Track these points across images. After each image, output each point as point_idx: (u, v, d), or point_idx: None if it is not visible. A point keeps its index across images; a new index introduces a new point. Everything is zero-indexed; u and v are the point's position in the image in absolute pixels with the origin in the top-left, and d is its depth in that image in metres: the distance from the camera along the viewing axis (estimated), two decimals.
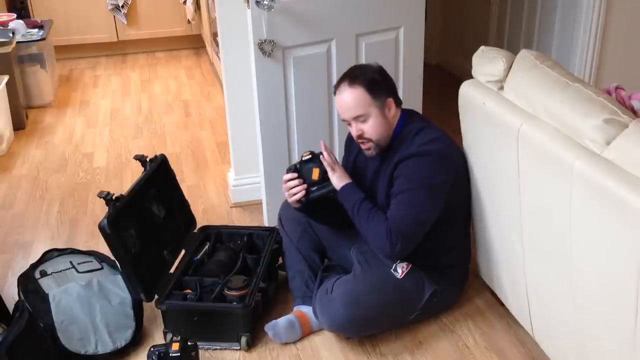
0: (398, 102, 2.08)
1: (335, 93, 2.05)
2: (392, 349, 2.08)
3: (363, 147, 2.06)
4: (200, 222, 2.60)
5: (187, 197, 2.54)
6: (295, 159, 2.64)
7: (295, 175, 2.10)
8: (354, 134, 2.03)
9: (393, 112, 2.04)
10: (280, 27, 2.39)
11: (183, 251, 2.36)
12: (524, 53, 1.91)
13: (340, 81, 2.04)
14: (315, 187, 2.10)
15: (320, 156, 2.08)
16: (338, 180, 2.07)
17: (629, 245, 1.38)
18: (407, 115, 2.09)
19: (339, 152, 2.71)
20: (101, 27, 5.33)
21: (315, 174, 2.08)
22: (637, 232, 1.35)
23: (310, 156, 2.10)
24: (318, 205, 2.15)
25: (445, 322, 2.19)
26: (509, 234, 1.94)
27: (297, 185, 2.09)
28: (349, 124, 2.04)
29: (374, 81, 2.01)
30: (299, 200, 2.11)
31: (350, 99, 1.99)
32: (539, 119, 1.73)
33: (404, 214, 1.95)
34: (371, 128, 2.00)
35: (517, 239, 1.88)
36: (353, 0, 2.53)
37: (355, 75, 2.02)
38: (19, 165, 3.53)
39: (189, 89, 4.71)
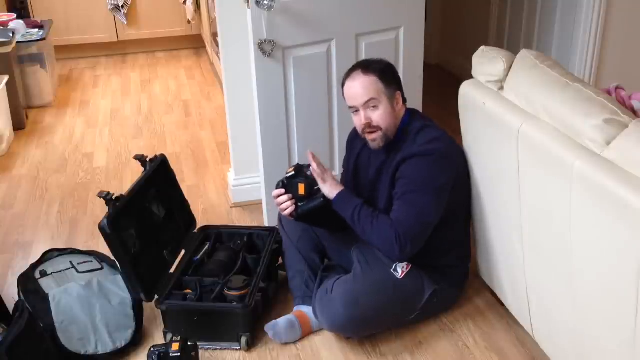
0: (404, 99, 2.09)
1: (344, 82, 2.05)
2: (392, 349, 2.08)
3: (370, 137, 2.04)
4: (200, 222, 2.60)
5: (187, 197, 2.54)
6: (295, 159, 2.64)
7: (283, 191, 2.10)
8: (362, 122, 2.02)
9: (400, 107, 2.05)
10: (280, 27, 2.39)
11: (183, 251, 2.36)
12: (524, 53, 1.91)
13: (351, 70, 2.05)
14: (304, 202, 2.10)
15: (310, 168, 2.07)
16: (330, 189, 2.06)
17: (629, 245, 1.38)
18: (410, 114, 2.09)
19: (339, 152, 2.71)
20: (101, 27, 5.34)
21: (302, 189, 2.08)
22: (637, 232, 1.35)
23: (293, 172, 2.09)
24: (313, 214, 2.14)
25: (445, 322, 2.19)
26: (509, 234, 1.94)
27: (287, 201, 2.10)
28: (356, 112, 2.03)
29: (387, 71, 2.03)
30: (290, 214, 2.12)
31: (363, 84, 1.99)
32: (539, 119, 1.73)
33: (408, 216, 1.95)
34: (380, 116, 2.00)
35: (517, 239, 1.88)
36: (353, 0, 2.53)
37: (369, 64, 2.04)
38: (19, 165, 3.53)
39: (189, 89, 4.71)
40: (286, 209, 2.10)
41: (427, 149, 1.97)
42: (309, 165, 2.07)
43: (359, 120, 2.03)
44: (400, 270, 2.04)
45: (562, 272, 1.67)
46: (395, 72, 2.09)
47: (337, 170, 2.71)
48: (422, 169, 1.97)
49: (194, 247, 2.37)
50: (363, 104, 2.00)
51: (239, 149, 2.93)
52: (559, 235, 1.63)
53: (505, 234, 1.99)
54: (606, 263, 1.48)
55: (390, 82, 2.03)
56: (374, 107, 2.00)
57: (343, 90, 2.07)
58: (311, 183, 2.07)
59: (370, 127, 2.02)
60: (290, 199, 2.09)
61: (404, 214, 1.95)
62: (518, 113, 1.81)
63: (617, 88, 1.95)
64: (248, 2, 2.31)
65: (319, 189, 2.07)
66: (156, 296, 2.10)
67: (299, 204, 2.10)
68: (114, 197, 2.04)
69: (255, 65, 2.41)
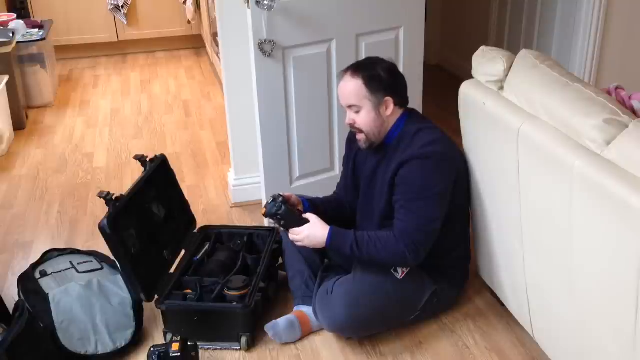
0: (401, 103, 2.07)
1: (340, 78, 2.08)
2: (392, 349, 2.08)
3: (357, 136, 2.08)
4: (200, 222, 2.60)
5: (187, 197, 2.54)
6: (295, 158, 2.64)
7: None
8: (346, 121, 2.07)
9: (390, 112, 2.03)
10: (280, 27, 2.39)
11: (183, 251, 2.36)
12: (524, 53, 1.91)
13: (347, 68, 2.06)
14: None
15: (280, 207, 2.03)
16: (316, 242, 2.01)
17: (629, 245, 1.38)
18: (407, 116, 2.09)
19: (338, 152, 2.72)
20: (101, 27, 5.34)
21: (279, 226, 2.08)
22: (637, 232, 1.35)
23: (267, 215, 2.04)
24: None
25: (445, 322, 2.19)
26: (509, 234, 1.94)
27: (274, 223, 2.10)
28: (346, 111, 2.08)
29: (376, 77, 2.01)
30: None
31: (347, 87, 2.02)
32: (539, 119, 1.73)
33: (416, 226, 1.95)
34: (362, 120, 2.02)
35: (517, 238, 1.88)
36: (353, 0, 2.53)
37: (361, 66, 2.04)
38: (19, 165, 3.53)
39: (189, 89, 4.71)
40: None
41: (426, 151, 1.97)
42: (279, 203, 2.03)
43: (346, 118, 2.07)
44: (400, 270, 2.04)
45: (562, 272, 1.67)
46: (393, 76, 2.04)
47: (337, 170, 2.72)
48: (422, 173, 1.96)
49: (194, 247, 2.37)
50: (346, 106, 2.05)
51: (239, 149, 2.93)
52: (559, 235, 1.63)
53: (505, 234, 1.99)
54: (606, 263, 1.48)
55: (378, 88, 2.00)
56: (356, 111, 2.03)
57: None
58: (285, 224, 2.04)
59: (353, 127, 2.06)
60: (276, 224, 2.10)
61: (411, 225, 1.95)
62: (518, 113, 1.80)
63: (617, 88, 1.95)
64: (248, 2, 2.31)
65: (294, 226, 2.04)
66: (156, 296, 2.10)
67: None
68: (114, 197, 2.04)
69: (255, 65, 2.41)
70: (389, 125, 2.05)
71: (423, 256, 1.98)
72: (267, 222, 2.69)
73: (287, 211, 2.03)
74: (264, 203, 2.67)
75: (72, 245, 2.60)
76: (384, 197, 2.05)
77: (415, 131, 2.03)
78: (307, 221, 2.03)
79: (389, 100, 2.02)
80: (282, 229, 2.10)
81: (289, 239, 2.28)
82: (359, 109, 2.02)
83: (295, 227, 2.03)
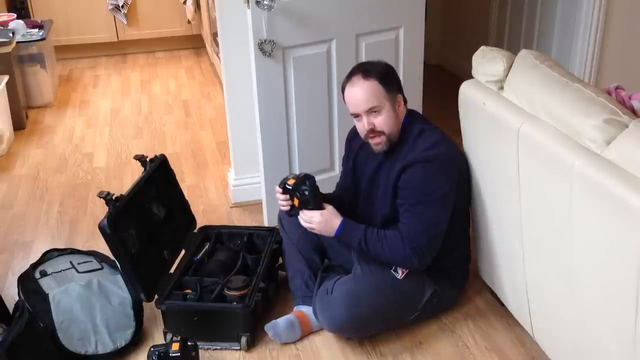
0: (404, 100, 2.08)
1: (344, 87, 2.03)
2: (392, 349, 2.08)
3: (373, 141, 2.03)
4: (200, 222, 2.60)
5: (187, 197, 2.54)
6: (295, 158, 2.64)
7: (281, 191, 2.09)
8: (365, 127, 2.00)
9: (402, 109, 2.04)
10: (280, 27, 2.39)
11: (183, 251, 2.36)
12: (524, 53, 1.91)
13: (351, 75, 2.02)
14: (295, 210, 2.09)
15: (308, 184, 2.04)
16: (328, 230, 2.03)
17: (629, 245, 1.38)
18: (409, 115, 2.08)
19: (338, 152, 2.72)
20: (101, 27, 5.34)
21: (295, 202, 2.08)
22: (637, 232, 1.35)
23: (291, 187, 2.06)
24: None
25: (445, 322, 2.19)
26: (509, 234, 1.94)
27: (284, 200, 2.10)
28: (358, 118, 2.02)
29: (387, 75, 2.01)
30: (286, 212, 2.14)
31: (364, 90, 1.97)
32: (539, 119, 1.73)
33: (421, 231, 1.95)
34: (383, 121, 1.98)
35: (517, 238, 1.88)
36: (353, 0, 2.53)
37: (368, 68, 2.01)
38: (19, 165, 3.53)
39: (189, 89, 4.71)
40: (283, 206, 2.12)
41: (428, 155, 1.96)
42: (307, 181, 2.05)
43: (362, 126, 2.01)
44: (401, 270, 2.04)
45: (562, 272, 1.67)
46: (394, 73, 2.07)
47: (337, 170, 2.72)
48: (425, 177, 1.96)
49: (194, 247, 2.37)
50: (365, 110, 1.98)
51: (239, 149, 2.93)
52: (559, 235, 1.63)
53: (505, 234, 1.99)
54: (606, 263, 1.48)
55: (391, 85, 2.00)
56: (376, 112, 1.98)
57: (343, 95, 2.05)
58: (306, 201, 2.05)
59: (373, 132, 2.01)
60: (287, 200, 2.10)
61: (416, 230, 1.95)
62: (518, 113, 1.80)
63: (617, 88, 1.95)
64: (248, 2, 2.31)
65: (311, 208, 2.05)
66: (156, 296, 2.10)
67: (292, 209, 2.11)
68: (114, 197, 2.05)
69: (255, 65, 2.41)
70: (401, 123, 2.05)
71: (429, 260, 1.98)
72: (267, 221, 2.69)
73: (313, 191, 2.03)
74: (264, 203, 2.68)
75: (72, 245, 2.60)
76: (387, 200, 2.04)
77: (418, 133, 2.02)
78: (323, 208, 2.04)
79: (400, 97, 2.03)
80: (288, 208, 2.09)
81: (288, 239, 2.29)
82: (380, 110, 1.97)
83: (311, 209, 2.03)
